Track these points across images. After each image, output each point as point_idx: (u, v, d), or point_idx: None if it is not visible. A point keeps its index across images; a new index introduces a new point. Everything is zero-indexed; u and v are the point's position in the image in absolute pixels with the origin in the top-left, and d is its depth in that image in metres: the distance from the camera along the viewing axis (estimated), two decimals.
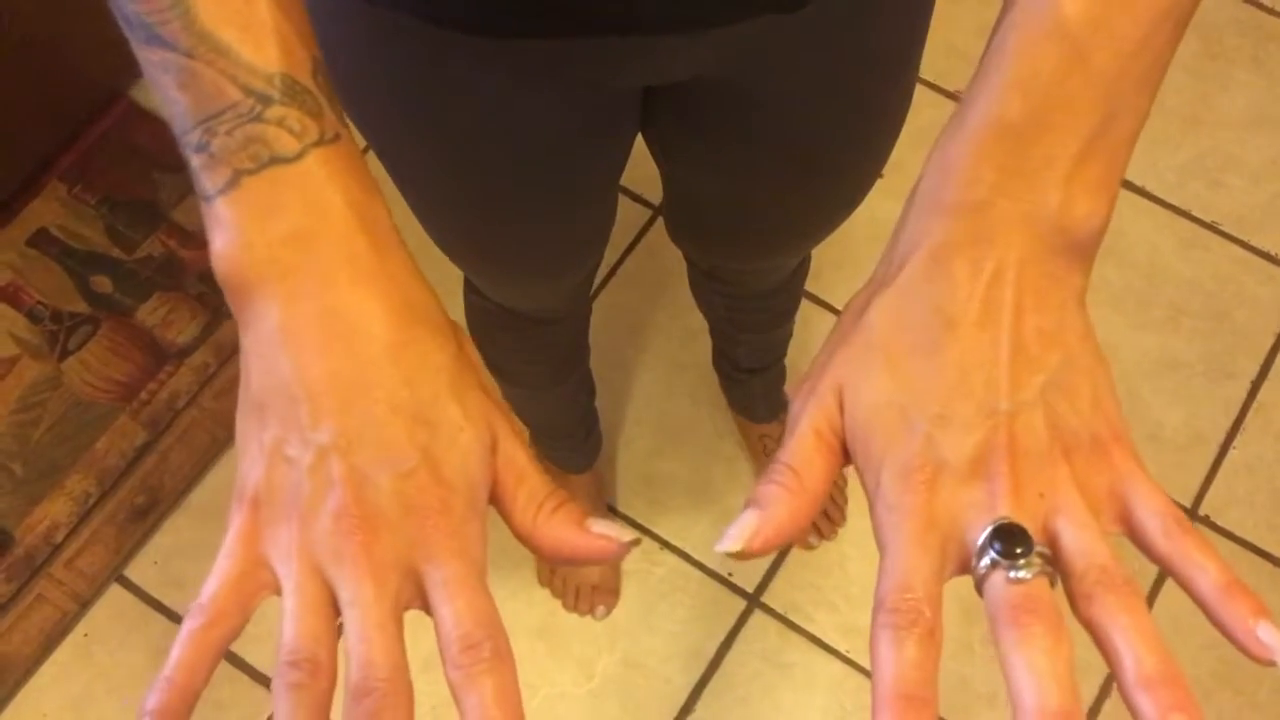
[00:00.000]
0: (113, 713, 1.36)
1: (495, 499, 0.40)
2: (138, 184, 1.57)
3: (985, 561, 0.35)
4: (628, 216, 1.57)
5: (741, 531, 0.36)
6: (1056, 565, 0.35)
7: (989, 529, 0.35)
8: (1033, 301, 0.37)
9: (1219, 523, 1.43)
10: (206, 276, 1.52)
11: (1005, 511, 0.35)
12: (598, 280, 1.54)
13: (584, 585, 1.39)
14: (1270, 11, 1.72)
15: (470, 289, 0.99)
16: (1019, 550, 0.34)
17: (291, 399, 0.38)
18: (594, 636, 1.40)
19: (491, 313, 0.99)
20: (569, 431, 1.31)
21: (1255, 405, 1.49)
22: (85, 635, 1.39)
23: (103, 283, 1.52)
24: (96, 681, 1.37)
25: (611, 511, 1.45)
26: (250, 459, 0.39)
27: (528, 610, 1.41)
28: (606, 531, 0.39)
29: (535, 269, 0.86)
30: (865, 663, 1.35)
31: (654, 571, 1.42)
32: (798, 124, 0.70)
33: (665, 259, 1.52)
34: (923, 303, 0.37)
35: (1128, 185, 1.61)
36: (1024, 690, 0.33)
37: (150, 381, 1.47)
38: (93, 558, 1.41)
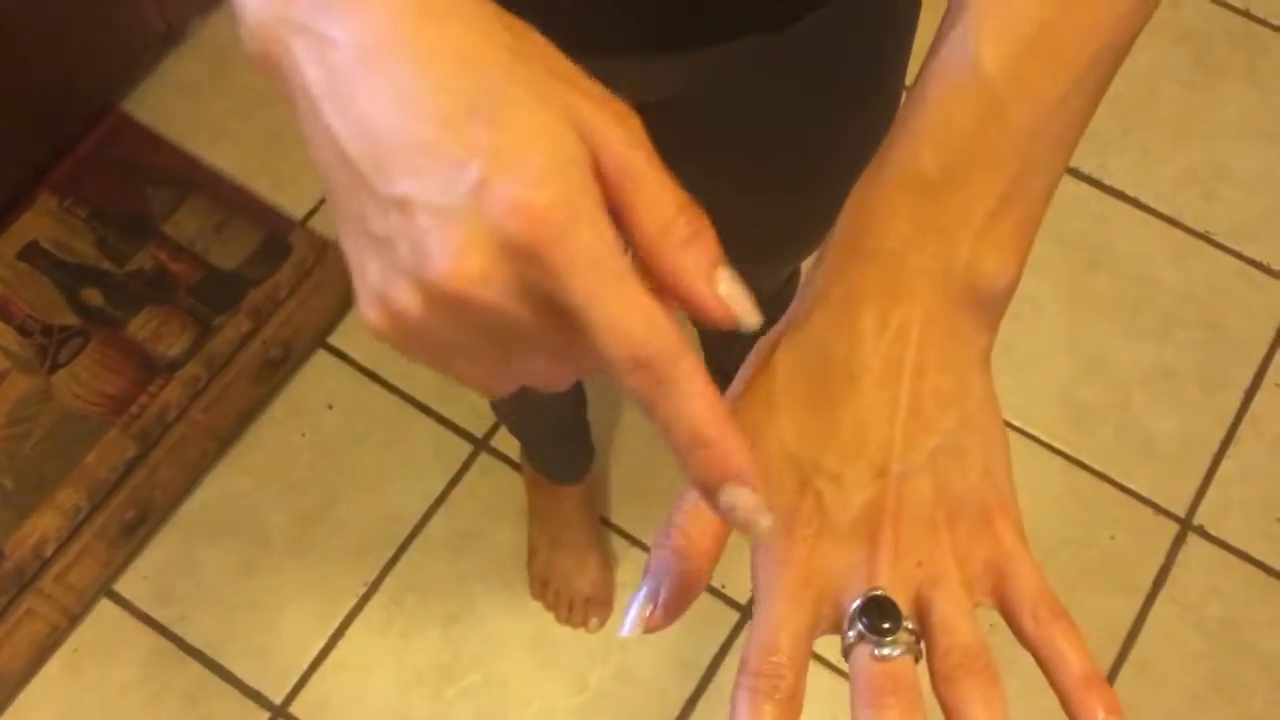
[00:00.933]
0: None
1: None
2: (129, 197, 1.56)
3: (853, 633, 0.35)
4: None
5: (639, 615, 0.36)
6: (923, 637, 0.36)
7: (860, 601, 0.35)
8: (935, 360, 0.37)
9: (1213, 533, 1.43)
10: (197, 289, 1.52)
11: (882, 578, 0.35)
12: None
13: (577, 598, 1.39)
14: (1262, 23, 1.72)
15: None
16: (886, 626, 0.35)
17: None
18: (587, 649, 1.39)
19: None
20: (561, 443, 1.31)
21: (1249, 415, 1.49)
22: (75, 650, 1.38)
23: (93, 296, 1.51)
24: (86, 696, 1.37)
25: (604, 524, 1.45)
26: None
27: (520, 623, 1.40)
28: (731, 301, 0.32)
29: None
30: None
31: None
32: (779, 140, 0.70)
33: None
34: (826, 353, 0.37)
35: (1121, 195, 1.61)
36: None
37: (141, 395, 1.46)
38: (82, 572, 1.40)
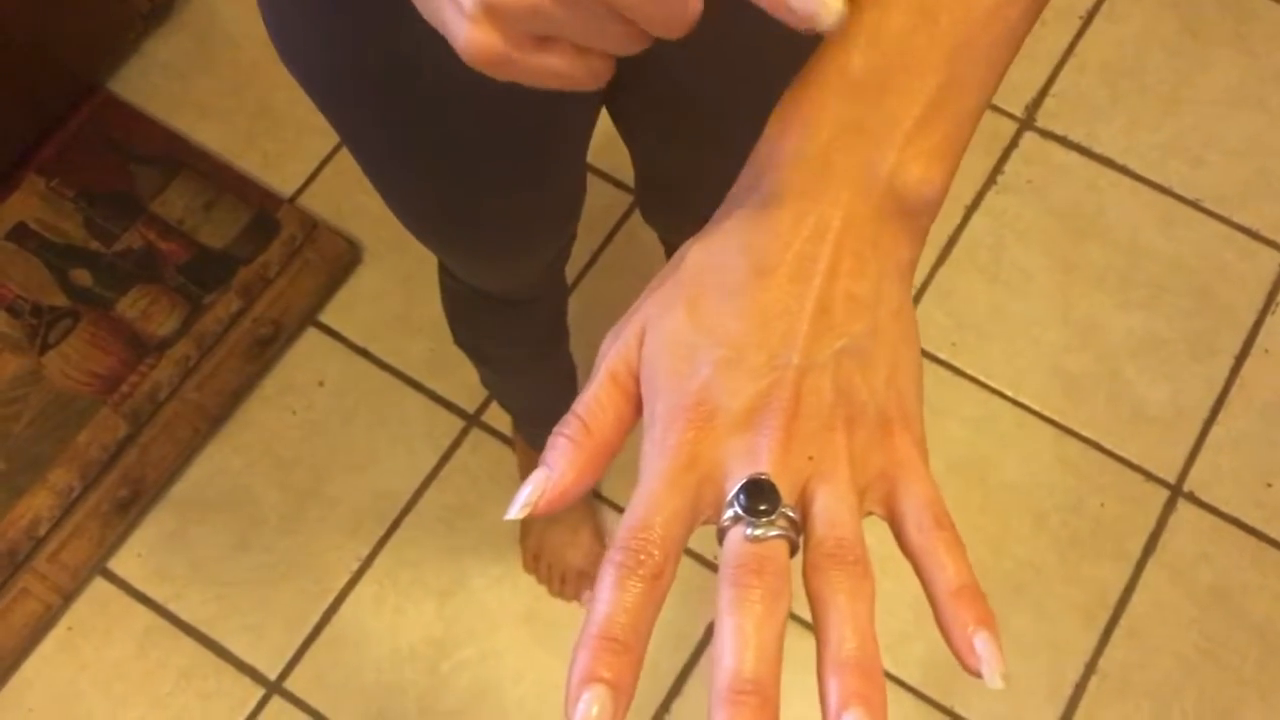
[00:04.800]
0: (98, 705, 1.36)
1: None
2: (116, 177, 1.56)
3: (729, 514, 0.34)
4: (609, 203, 1.57)
5: (526, 498, 0.35)
6: (802, 531, 0.35)
7: (741, 481, 0.34)
8: (850, 265, 0.36)
9: (1204, 499, 1.43)
10: (186, 268, 1.52)
11: (768, 466, 0.34)
12: (579, 267, 1.54)
13: (569, 571, 1.39)
14: None
15: (445, 271, 0.99)
16: (763, 508, 0.34)
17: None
18: (580, 622, 1.39)
19: (466, 295, 0.98)
20: (552, 416, 1.30)
21: (1238, 381, 1.49)
22: (69, 629, 1.39)
23: (82, 276, 1.51)
24: (81, 675, 1.37)
25: (597, 498, 1.45)
26: None
27: (513, 597, 1.41)
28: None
29: (503, 246, 0.86)
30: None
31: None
32: (755, 96, 0.70)
33: (646, 245, 1.52)
34: (740, 249, 0.37)
35: (1109, 163, 1.61)
36: (723, 653, 0.32)
37: (131, 374, 1.46)
38: (76, 551, 1.40)
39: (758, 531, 0.33)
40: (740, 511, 0.34)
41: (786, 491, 0.34)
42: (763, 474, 0.34)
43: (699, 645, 1.38)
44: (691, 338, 0.36)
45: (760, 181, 0.37)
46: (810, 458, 0.35)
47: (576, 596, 1.40)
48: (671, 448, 0.35)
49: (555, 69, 0.35)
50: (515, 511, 0.35)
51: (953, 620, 0.34)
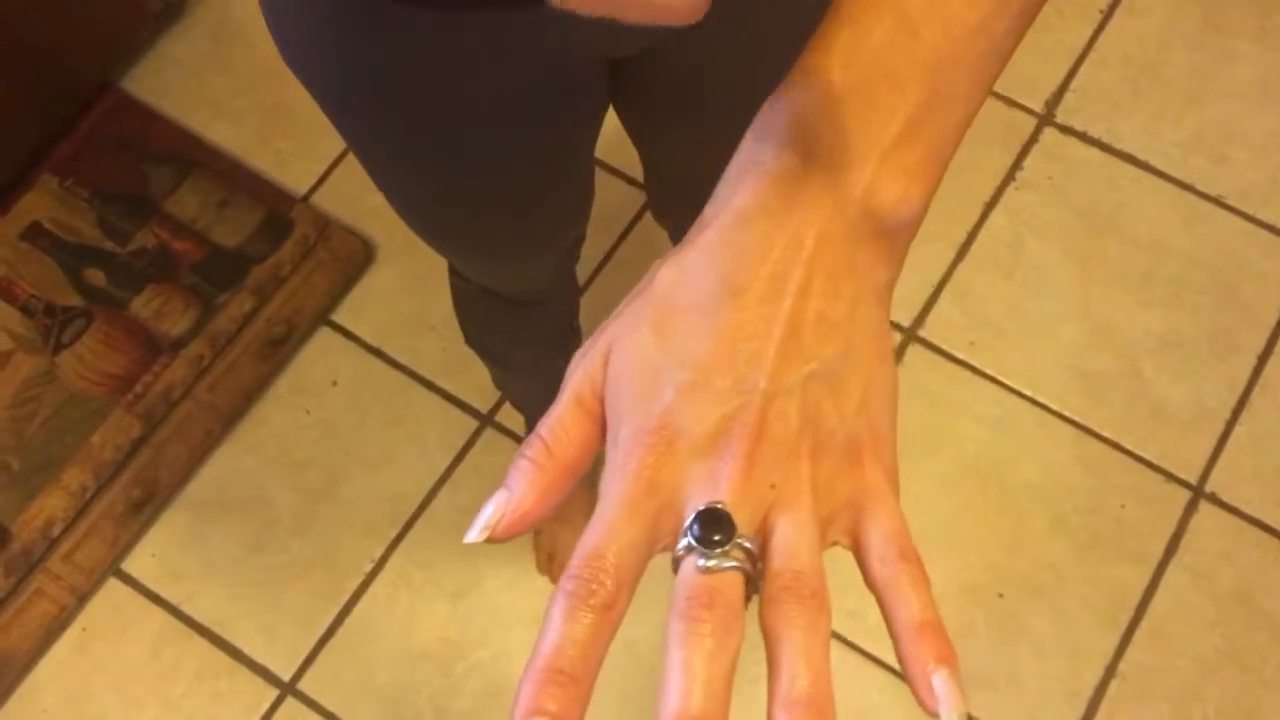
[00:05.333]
0: (112, 706, 1.36)
1: None
2: (129, 176, 1.56)
3: (683, 543, 0.33)
4: (621, 201, 1.56)
5: (486, 520, 0.34)
6: (760, 562, 0.33)
7: (695, 511, 0.33)
8: (822, 285, 0.35)
9: (1226, 499, 1.41)
10: (199, 268, 1.51)
11: (726, 494, 0.33)
12: (591, 267, 1.53)
13: None
14: None
15: (454, 272, 0.98)
16: (717, 538, 0.32)
17: None
18: None
19: (475, 295, 0.98)
20: None
21: (1261, 381, 1.47)
22: (84, 629, 1.39)
23: (96, 276, 1.51)
24: (95, 675, 1.37)
25: None
26: None
27: (526, 598, 1.40)
28: None
29: (510, 248, 0.85)
30: (865, 645, 1.34)
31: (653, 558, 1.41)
32: (744, 93, 0.69)
33: (659, 245, 1.51)
34: (710, 267, 0.35)
35: (1130, 159, 1.59)
36: (670, 689, 0.31)
37: (145, 374, 1.46)
38: (90, 552, 1.40)
39: (710, 563, 0.32)
40: (694, 542, 0.33)
41: (745, 521, 0.33)
42: (719, 503, 0.33)
43: None
44: (657, 359, 0.35)
45: (733, 198, 0.36)
46: (772, 486, 0.34)
47: None
48: (631, 473, 0.34)
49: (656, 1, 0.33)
50: (474, 534, 0.34)
51: (914, 657, 0.33)
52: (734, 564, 0.32)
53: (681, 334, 0.35)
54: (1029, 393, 1.47)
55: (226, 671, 1.37)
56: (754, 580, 0.33)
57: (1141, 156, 1.59)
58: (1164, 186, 1.58)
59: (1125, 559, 1.40)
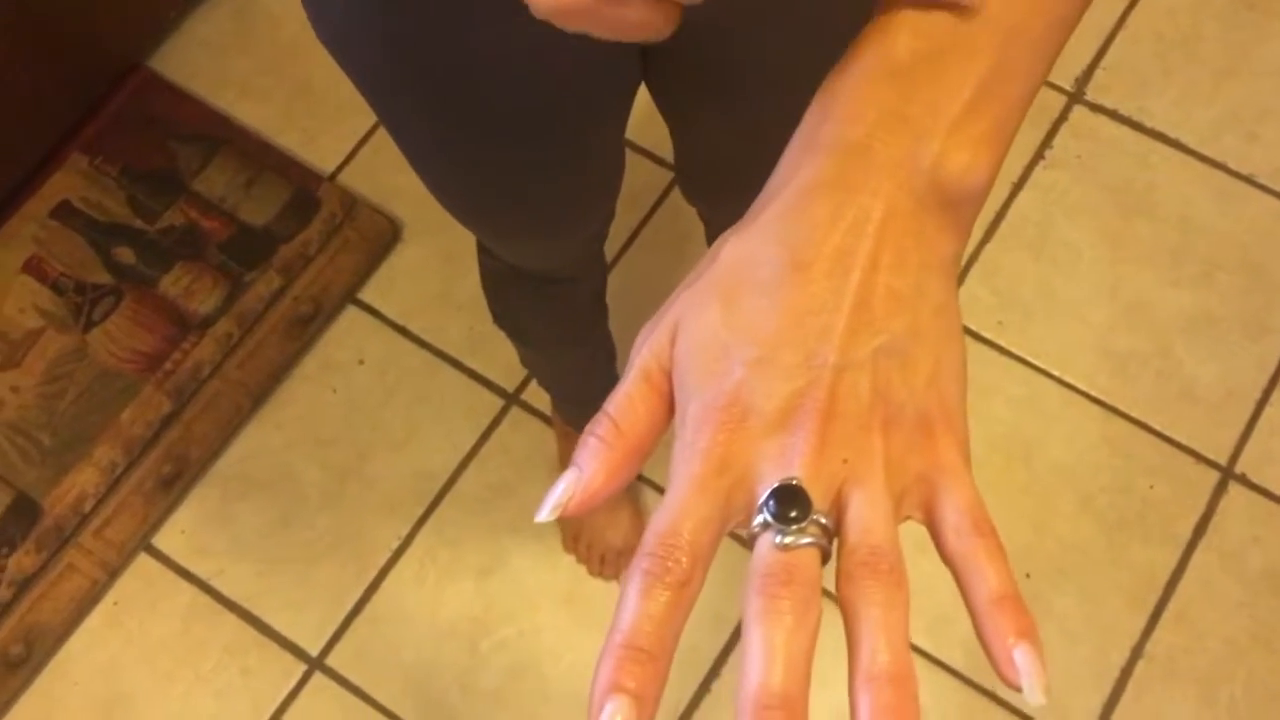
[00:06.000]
0: (143, 680, 1.37)
1: None
2: (158, 155, 1.57)
3: (758, 520, 0.33)
4: (648, 179, 1.55)
5: (557, 499, 0.34)
6: (836, 537, 0.33)
7: (771, 487, 0.33)
8: (890, 259, 0.35)
9: (1255, 480, 1.40)
10: (227, 246, 1.52)
11: (800, 470, 0.33)
12: (619, 244, 1.53)
13: (609, 551, 1.39)
14: None
15: (483, 250, 0.98)
16: (793, 515, 0.32)
17: None
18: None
19: (505, 273, 0.98)
20: (591, 396, 1.30)
21: None
22: (115, 604, 1.40)
23: (125, 253, 1.52)
24: (126, 650, 1.39)
25: (639, 479, 1.44)
26: None
27: (553, 577, 1.41)
28: None
29: (542, 225, 0.85)
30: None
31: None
32: (782, 72, 0.69)
33: (686, 222, 1.51)
34: (776, 243, 0.35)
35: (1162, 138, 1.57)
36: (751, 665, 0.31)
37: (174, 351, 1.47)
38: (121, 527, 1.42)
39: (787, 539, 0.32)
40: (770, 518, 0.33)
41: (819, 496, 0.33)
42: (794, 479, 0.33)
43: (737, 628, 1.37)
44: (725, 336, 0.35)
45: (798, 171, 0.36)
46: (845, 461, 0.33)
47: (616, 576, 1.40)
48: (702, 451, 0.34)
49: (625, 19, 0.34)
50: (545, 514, 0.34)
51: (993, 631, 0.33)
52: (810, 540, 0.32)
53: (749, 310, 0.35)
54: (1057, 372, 1.46)
55: (255, 646, 1.38)
56: (828, 555, 0.33)
57: (1172, 135, 1.58)
58: (1195, 165, 1.56)
59: (1153, 540, 1.39)
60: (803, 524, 0.32)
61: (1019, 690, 0.32)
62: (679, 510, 0.33)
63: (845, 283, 0.34)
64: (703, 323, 0.35)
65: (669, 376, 0.36)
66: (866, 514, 0.33)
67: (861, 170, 0.35)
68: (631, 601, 0.32)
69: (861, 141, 0.35)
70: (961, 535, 0.34)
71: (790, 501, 0.33)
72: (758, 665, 0.31)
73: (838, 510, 0.33)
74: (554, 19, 0.33)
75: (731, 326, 0.35)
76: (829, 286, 0.34)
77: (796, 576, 0.32)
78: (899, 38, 0.36)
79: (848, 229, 0.35)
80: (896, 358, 0.34)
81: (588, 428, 0.36)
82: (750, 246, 0.36)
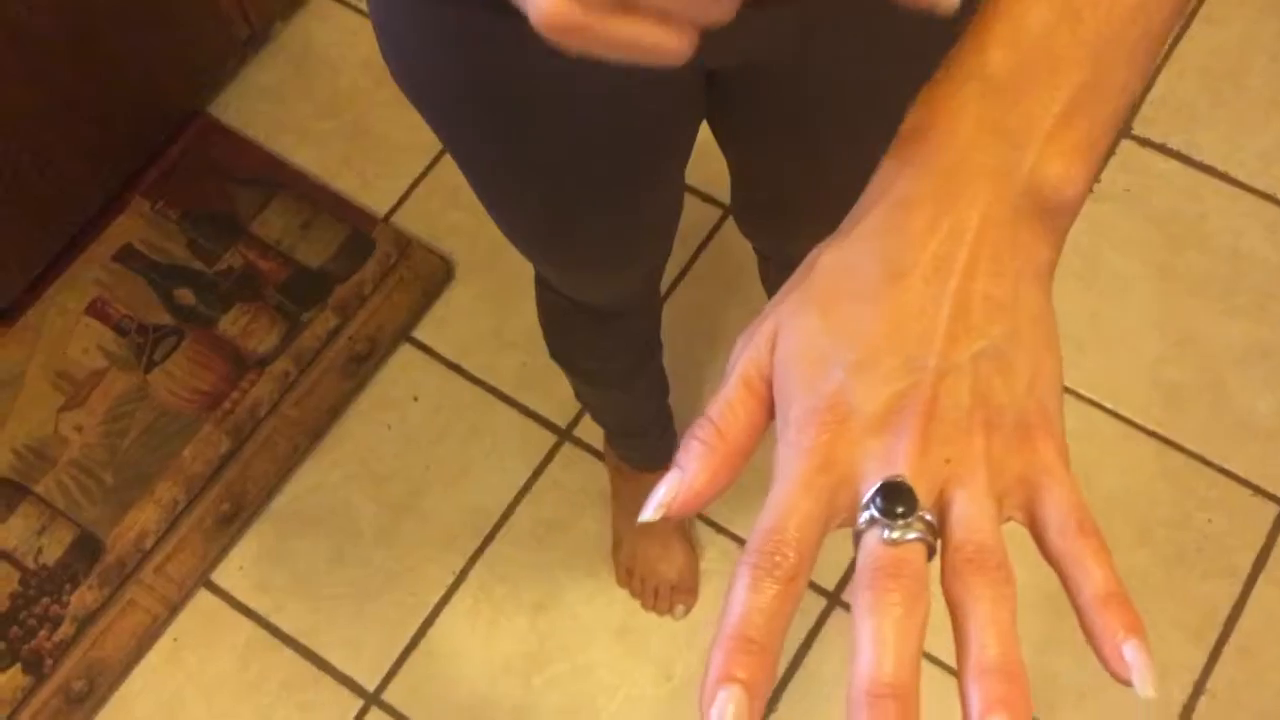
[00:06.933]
0: (202, 715, 1.39)
1: None
2: (217, 198, 1.60)
3: (865, 517, 0.34)
4: (698, 216, 1.57)
5: (661, 499, 0.35)
6: (940, 535, 0.34)
7: (877, 484, 0.34)
8: (988, 266, 0.35)
9: None
10: (284, 286, 1.55)
11: (904, 468, 0.34)
12: (670, 280, 1.54)
13: (662, 585, 1.39)
14: None
15: (542, 284, 1.00)
16: (900, 510, 0.33)
17: None
18: (673, 636, 1.40)
19: (563, 307, 0.99)
20: (644, 430, 1.31)
21: None
22: (175, 640, 1.42)
23: (185, 295, 1.55)
24: (187, 685, 1.40)
25: None
26: None
27: (606, 611, 1.41)
28: None
29: (605, 259, 0.86)
30: (947, 659, 1.33)
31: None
32: (855, 106, 0.70)
33: (737, 257, 1.52)
34: (873, 252, 0.36)
35: (1210, 171, 1.57)
36: (862, 656, 0.32)
37: (233, 390, 1.50)
38: (181, 564, 1.44)
39: (895, 534, 0.33)
40: (877, 514, 0.33)
41: (923, 495, 0.34)
42: (899, 476, 0.34)
43: (792, 660, 1.37)
44: (825, 341, 0.35)
45: (894, 184, 0.37)
46: (947, 461, 0.34)
47: (670, 610, 1.40)
48: (806, 450, 0.34)
49: (635, 39, 0.34)
50: (649, 513, 0.35)
51: (1102, 628, 0.33)
52: (917, 535, 0.33)
53: (848, 316, 0.35)
54: (1110, 405, 1.45)
55: (312, 682, 1.39)
56: (933, 552, 0.34)
57: (1221, 167, 1.57)
58: (1245, 197, 1.56)
59: (1212, 574, 1.37)
60: (909, 519, 0.33)
61: (1128, 684, 0.33)
62: (785, 507, 0.34)
63: (943, 289, 0.35)
64: (802, 330, 0.36)
65: (768, 383, 0.37)
66: (971, 512, 0.34)
67: (958, 181, 0.36)
68: (741, 595, 0.33)
69: (958, 155, 0.36)
70: (1066, 535, 0.34)
71: (897, 498, 0.33)
72: (869, 656, 0.32)
73: (940, 509, 0.34)
74: (554, 37, 0.34)
75: (831, 333, 0.36)
76: (927, 293, 0.35)
77: (905, 570, 0.33)
78: (992, 52, 0.37)
79: (945, 237, 0.36)
80: (996, 363, 0.35)
81: (689, 432, 0.37)
82: (847, 256, 0.37)
